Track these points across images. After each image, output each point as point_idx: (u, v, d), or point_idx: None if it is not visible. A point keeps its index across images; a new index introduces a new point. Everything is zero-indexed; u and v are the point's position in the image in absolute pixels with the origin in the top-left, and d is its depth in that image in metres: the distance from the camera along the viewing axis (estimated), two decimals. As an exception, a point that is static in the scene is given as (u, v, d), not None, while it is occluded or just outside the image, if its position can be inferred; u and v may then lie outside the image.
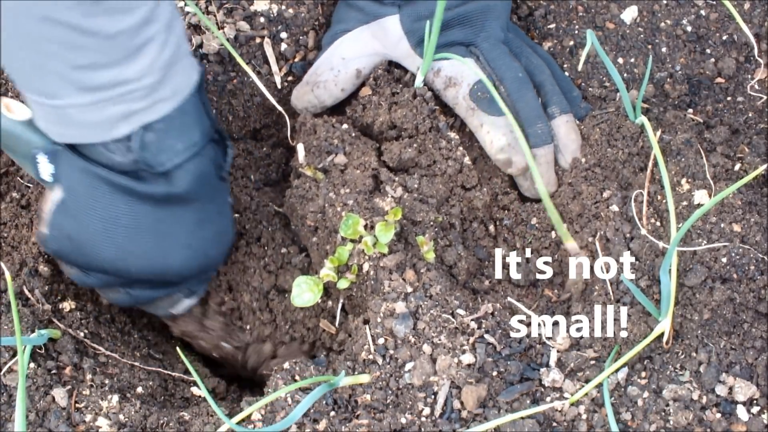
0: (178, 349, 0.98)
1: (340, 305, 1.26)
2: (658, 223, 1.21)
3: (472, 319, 1.15)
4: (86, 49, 0.96)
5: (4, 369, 1.09)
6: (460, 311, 1.15)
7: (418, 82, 1.31)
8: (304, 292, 1.20)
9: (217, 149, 1.14)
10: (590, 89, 1.37)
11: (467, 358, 1.11)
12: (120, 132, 1.03)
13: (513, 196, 1.33)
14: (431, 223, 1.24)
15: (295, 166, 1.29)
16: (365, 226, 1.20)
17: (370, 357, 1.13)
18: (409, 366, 1.12)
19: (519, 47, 1.32)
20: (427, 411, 1.09)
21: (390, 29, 1.32)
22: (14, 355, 1.10)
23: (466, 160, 1.29)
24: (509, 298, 1.21)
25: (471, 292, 1.25)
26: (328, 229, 1.23)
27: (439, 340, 1.13)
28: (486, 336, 1.14)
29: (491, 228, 1.31)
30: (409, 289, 1.16)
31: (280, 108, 1.33)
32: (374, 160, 1.26)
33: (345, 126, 1.29)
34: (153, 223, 1.09)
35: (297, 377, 1.13)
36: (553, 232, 1.27)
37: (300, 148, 1.28)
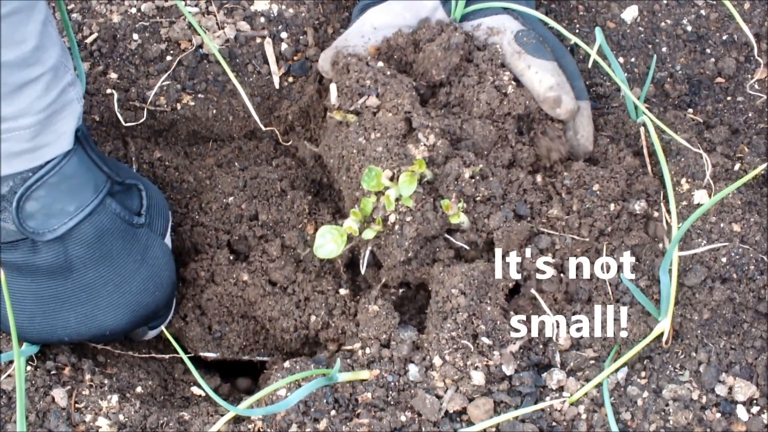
0: (180, 352, 0.98)
1: (367, 253, 1.22)
2: (658, 223, 1.21)
3: (492, 350, 1.13)
4: None
5: (4, 375, 1.09)
6: (484, 339, 1.13)
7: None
8: (328, 243, 1.17)
9: (126, 197, 1.13)
10: (593, 87, 1.37)
11: (481, 377, 1.11)
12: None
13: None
14: (468, 177, 1.19)
15: (328, 108, 1.26)
16: (391, 178, 1.16)
17: (372, 356, 1.13)
18: (413, 370, 1.12)
19: None
20: (428, 410, 1.09)
21: None
22: (11, 361, 1.10)
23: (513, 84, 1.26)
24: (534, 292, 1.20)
25: (505, 293, 1.20)
26: (358, 178, 1.20)
27: (452, 358, 1.12)
28: (501, 359, 1.13)
29: (539, 179, 1.25)
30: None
31: (262, 126, 1.32)
32: (408, 103, 1.21)
33: (380, 64, 1.25)
34: (67, 294, 1.09)
35: (297, 376, 1.13)
36: (612, 204, 1.21)
37: (332, 88, 1.25)
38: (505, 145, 1.25)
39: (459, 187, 1.18)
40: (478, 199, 1.20)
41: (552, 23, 1.22)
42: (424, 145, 1.18)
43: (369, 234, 1.17)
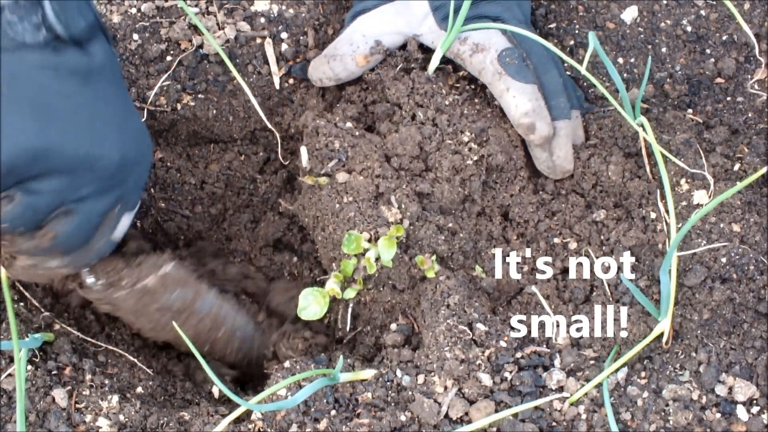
0: (191, 346, 0.97)
1: (349, 312, 1.24)
2: (658, 224, 1.21)
3: (490, 338, 1.14)
4: None
5: (4, 375, 1.09)
6: (480, 326, 1.14)
7: (438, 56, 1.30)
8: (311, 305, 1.18)
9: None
10: (591, 89, 1.37)
11: (481, 376, 1.11)
12: None
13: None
14: (442, 240, 1.21)
15: (299, 169, 1.28)
16: (369, 239, 1.18)
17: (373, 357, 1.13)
18: (414, 373, 1.12)
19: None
20: (427, 410, 1.09)
21: (415, 6, 1.32)
22: (12, 360, 1.10)
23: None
24: (534, 289, 1.21)
25: (493, 295, 1.23)
26: (333, 241, 1.22)
27: (452, 353, 1.12)
28: (500, 355, 1.13)
29: (507, 229, 1.29)
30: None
31: (269, 125, 1.33)
32: (377, 165, 1.22)
33: (348, 125, 1.26)
34: (84, 100, 1.04)
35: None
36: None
37: (303, 152, 1.26)
38: (473, 203, 1.27)
39: (432, 247, 1.21)
40: (452, 254, 1.23)
41: (540, 41, 1.22)
42: (397, 208, 1.20)
43: (350, 294, 1.20)
